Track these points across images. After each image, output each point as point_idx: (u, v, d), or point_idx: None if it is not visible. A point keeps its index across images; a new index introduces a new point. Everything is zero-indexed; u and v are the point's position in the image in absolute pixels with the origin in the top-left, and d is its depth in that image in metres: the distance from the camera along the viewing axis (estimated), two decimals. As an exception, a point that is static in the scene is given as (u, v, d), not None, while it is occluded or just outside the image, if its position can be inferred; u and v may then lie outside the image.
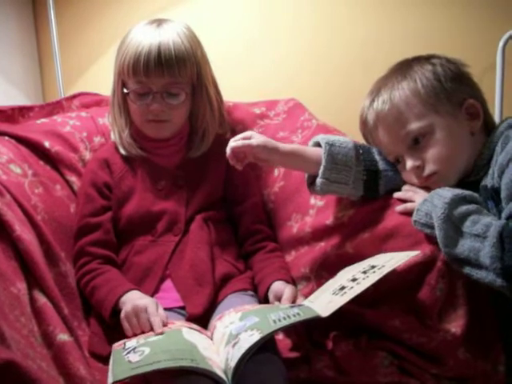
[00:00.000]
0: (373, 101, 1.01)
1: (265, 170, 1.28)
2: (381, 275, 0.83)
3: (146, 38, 1.10)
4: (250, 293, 1.12)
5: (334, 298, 0.87)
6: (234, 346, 0.84)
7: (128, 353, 0.86)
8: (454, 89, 0.96)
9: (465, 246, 0.84)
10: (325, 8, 1.53)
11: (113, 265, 1.12)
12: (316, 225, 1.13)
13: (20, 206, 1.02)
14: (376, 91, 1.02)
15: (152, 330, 0.93)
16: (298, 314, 0.87)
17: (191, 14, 1.58)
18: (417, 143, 0.97)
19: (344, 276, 0.95)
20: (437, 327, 0.91)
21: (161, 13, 1.56)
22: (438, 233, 0.87)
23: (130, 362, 0.83)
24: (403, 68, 1.01)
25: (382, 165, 1.04)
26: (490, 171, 0.93)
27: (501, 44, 1.39)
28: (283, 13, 1.56)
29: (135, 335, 0.94)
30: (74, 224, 1.14)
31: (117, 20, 1.66)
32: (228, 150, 1.01)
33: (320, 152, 1.01)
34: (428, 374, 0.92)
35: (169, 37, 1.11)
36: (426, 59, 1.00)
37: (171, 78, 1.11)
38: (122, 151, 1.19)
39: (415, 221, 0.94)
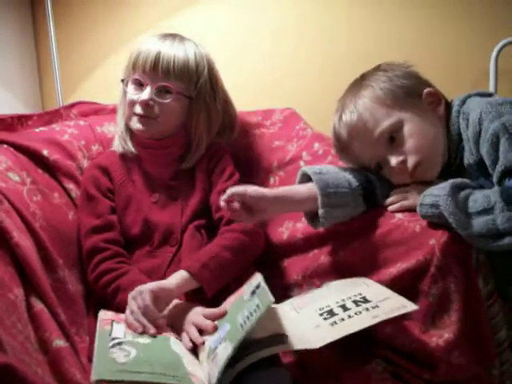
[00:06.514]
0: (340, 116, 1.05)
1: (261, 177, 1.29)
2: (373, 322, 0.83)
3: (151, 41, 1.18)
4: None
5: (323, 325, 0.86)
6: (213, 360, 0.83)
7: (113, 346, 0.86)
8: (408, 85, 1.03)
9: (481, 223, 0.87)
10: (326, 10, 1.57)
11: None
12: (308, 232, 1.13)
13: (18, 213, 1.02)
14: (341, 108, 1.06)
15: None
16: (258, 306, 0.84)
17: (192, 21, 1.61)
18: (393, 141, 1.01)
19: (332, 294, 0.95)
20: (430, 333, 0.91)
21: (160, 22, 1.58)
22: (451, 220, 0.89)
23: (114, 360, 0.83)
24: (358, 83, 1.07)
25: (371, 176, 1.05)
26: (467, 148, 0.98)
27: (494, 53, 1.41)
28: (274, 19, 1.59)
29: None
30: (80, 225, 1.15)
31: (116, 29, 1.68)
32: (221, 204, 0.99)
33: (309, 186, 1.02)
34: (421, 379, 0.92)
35: (175, 45, 1.17)
36: (376, 69, 1.07)
37: (165, 78, 1.15)
38: (121, 149, 1.22)
39: (423, 215, 0.95)
